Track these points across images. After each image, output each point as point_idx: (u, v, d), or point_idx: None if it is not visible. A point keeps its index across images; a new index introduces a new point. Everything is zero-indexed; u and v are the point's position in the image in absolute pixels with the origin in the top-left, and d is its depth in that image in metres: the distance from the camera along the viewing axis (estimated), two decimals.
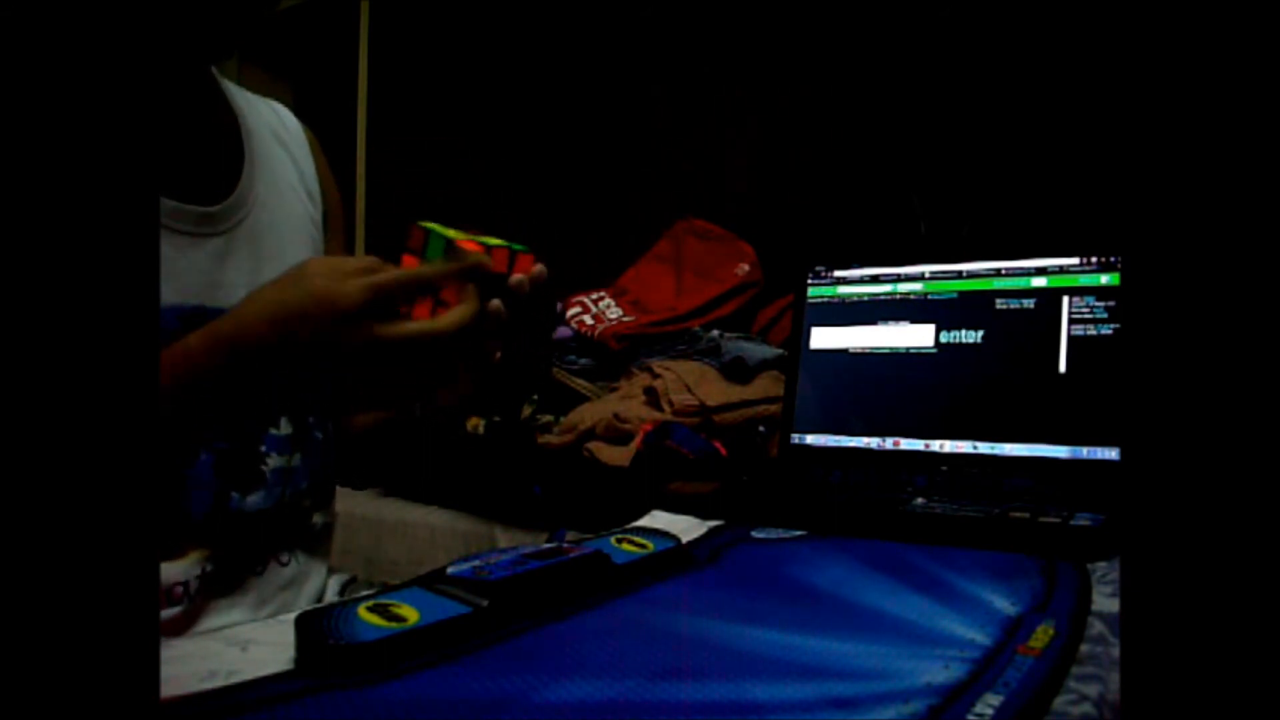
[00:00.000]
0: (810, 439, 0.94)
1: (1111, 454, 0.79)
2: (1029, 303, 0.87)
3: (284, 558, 0.69)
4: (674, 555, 0.56)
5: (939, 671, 0.38)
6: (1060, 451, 0.81)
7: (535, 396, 1.36)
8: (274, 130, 0.75)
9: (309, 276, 0.55)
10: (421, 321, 0.55)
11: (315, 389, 0.72)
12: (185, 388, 0.54)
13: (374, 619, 0.41)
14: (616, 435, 1.14)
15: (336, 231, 0.81)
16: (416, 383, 0.58)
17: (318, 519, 0.73)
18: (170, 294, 0.61)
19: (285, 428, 0.69)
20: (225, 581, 0.64)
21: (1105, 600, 0.49)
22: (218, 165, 0.67)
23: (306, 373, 0.61)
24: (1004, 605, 0.48)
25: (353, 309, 0.53)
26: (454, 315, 0.55)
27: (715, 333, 1.33)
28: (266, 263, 0.68)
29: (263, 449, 0.67)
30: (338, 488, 0.78)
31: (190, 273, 0.63)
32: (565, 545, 0.53)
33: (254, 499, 0.65)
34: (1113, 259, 0.85)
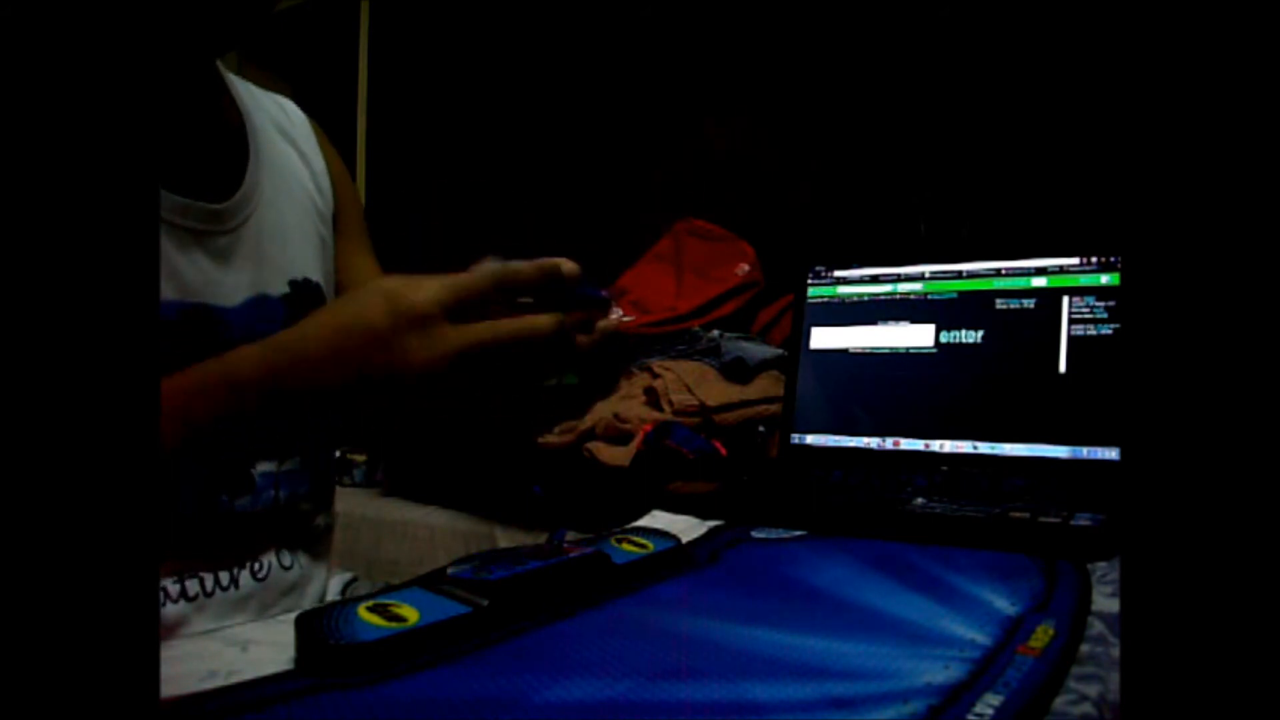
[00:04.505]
0: (810, 439, 0.94)
1: (1111, 454, 0.79)
2: (1029, 303, 0.87)
3: (286, 561, 0.68)
4: (674, 555, 0.56)
5: (939, 671, 0.38)
6: (1060, 451, 0.81)
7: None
8: (280, 126, 0.74)
9: (376, 288, 0.51)
10: (518, 320, 0.50)
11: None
12: (225, 419, 0.52)
13: (374, 619, 0.41)
14: (616, 435, 1.14)
15: (353, 228, 0.79)
16: (506, 387, 0.54)
17: (320, 521, 0.73)
18: (171, 291, 0.60)
19: None
20: (221, 586, 0.64)
21: (1105, 600, 0.49)
22: (222, 162, 0.67)
23: (386, 404, 0.55)
24: (1004, 605, 0.48)
25: (429, 310, 0.48)
26: (548, 317, 0.51)
27: (715, 333, 1.33)
28: (270, 262, 0.67)
29: None
30: (338, 488, 0.78)
31: (192, 270, 0.62)
32: (565, 545, 0.53)
33: (243, 501, 0.65)
34: (1113, 259, 0.85)
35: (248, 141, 0.69)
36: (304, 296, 0.70)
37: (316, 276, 0.72)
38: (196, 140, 0.65)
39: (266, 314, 0.66)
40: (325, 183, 0.76)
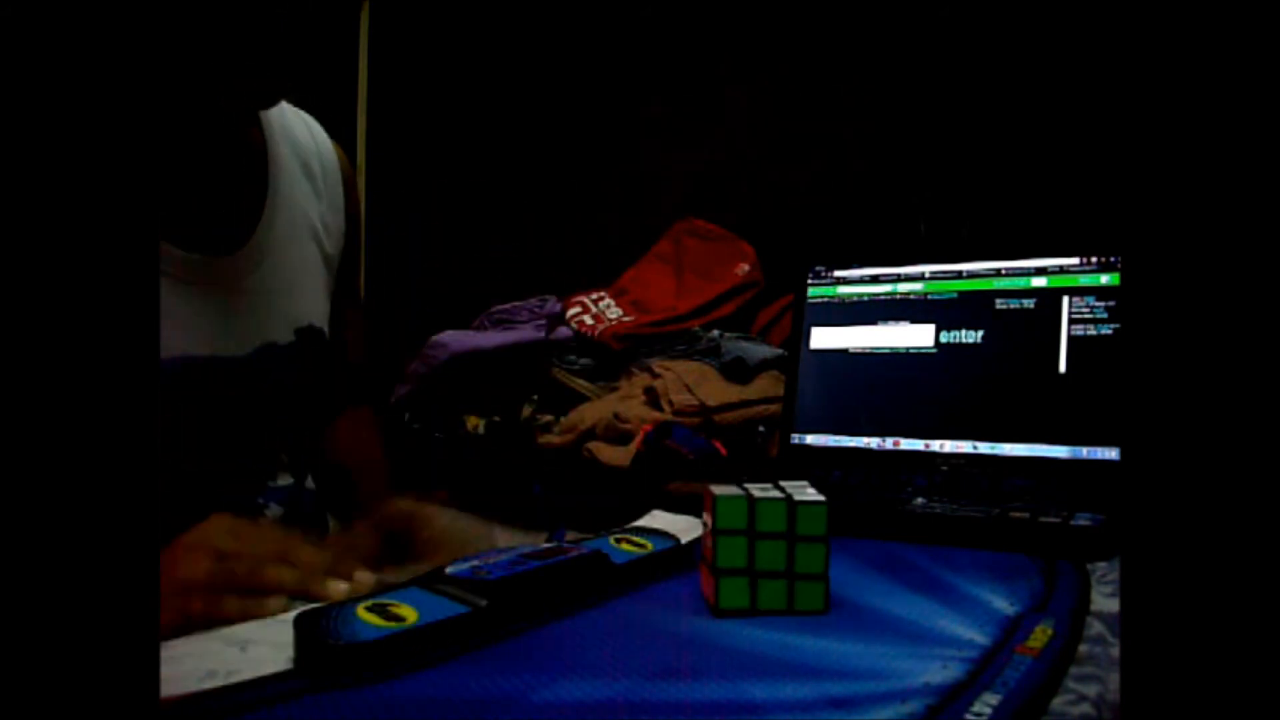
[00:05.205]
0: (810, 439, 0.93)
1: (1111, 454, 0.79)
2: (1029, 303, 0.87)
3: None
4: (673, 555, 0.56)
5: (937, 671, 0.38)
6: (1060, 451, 0.81)
7: (535, 396, 1.37)
8: (303, 158, 0.72)
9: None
10: None
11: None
12: None
13: (373, 618, 0.41)
14: (616, 435, 1.14)
15: (349, 269, 0.79)
16: None
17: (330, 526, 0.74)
18: (179, 344, 0.59)
19: (284, 479, 0.70)
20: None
21: (1104, 600, 0.49)
22: (238, 207, 0.66)
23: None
24: (1003, 605, 0.48)
25: None
26: None
27: (715, 333, 1.33)
28: (278, 311, 0.67)
29: (260, 500, 0.67)
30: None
31: (201, 322, 0.61)
32: (565, 545, 0.53)
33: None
34: (1113, 259, 0.85)
35: (267, 177, 0.67)
36: (309, 344, 0.70)
37: (320, 322, 0.72)
38: (211, 187, 0.64)
39: (275, 361, 0.66)
40: (336, 222, 0.75)
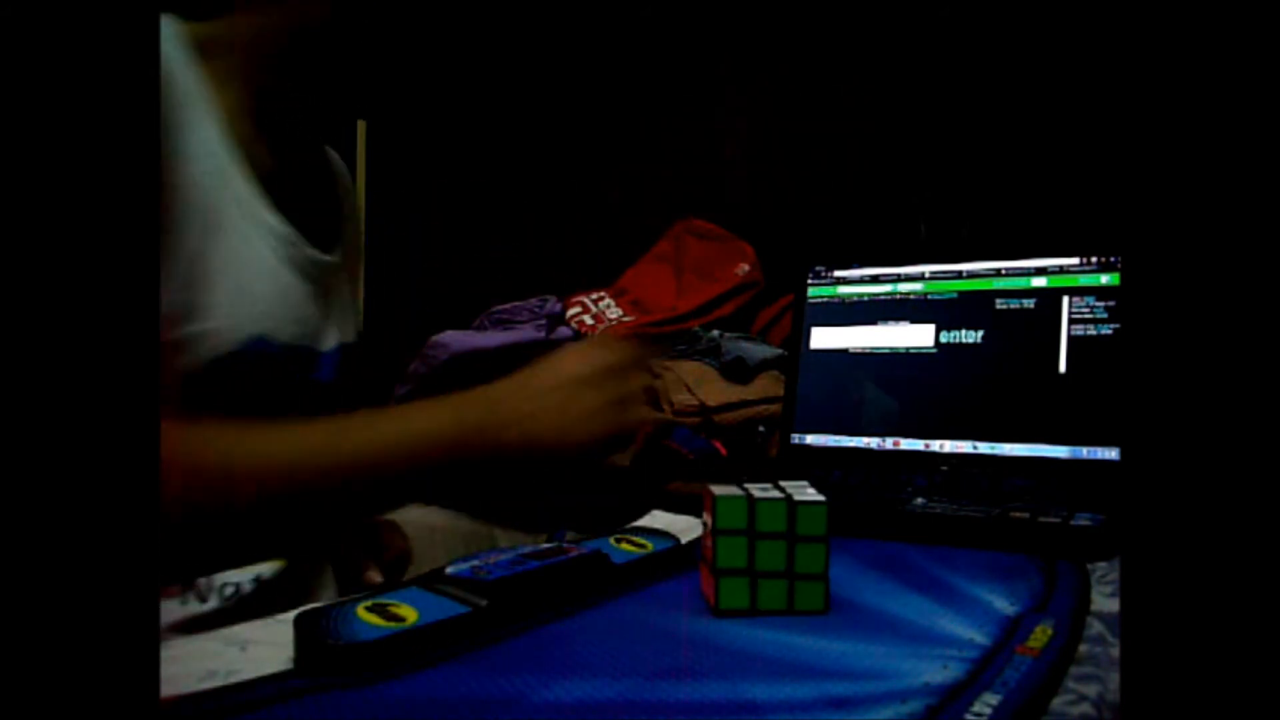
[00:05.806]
0: (810, 439, 0.93)
1: (1111, 454, 0.79)
2: (1029, 303, 0.87)
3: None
4: (673, 555, 0.56)
5: (937, 671, 0.38)
6: (1060, 451, 0.81)
7: None
8: (341, 179, 0.79)
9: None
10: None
11: None
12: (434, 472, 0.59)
13: (373, 618, 0.41)
14: None
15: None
16: None
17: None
18: (290, 333, 0.64)
19: None
20: (285, 588, 0.65)
21: (1105, 600, 0.49)
22: (326, 213, 0.73)
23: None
24: (1003, 605, 0.48)
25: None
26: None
27: (715, 333, 1.32)
28: (349, 312, 0.73)
29: None
30: None
31: (311, 315, 0.67)
32: (565, 545, 0.53)
33: None
34: (1113, 259, 0.85)
35: (337, 187, 0.76)
36: (360, 345, 0.76)
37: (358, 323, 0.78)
38: (317, 194, 0.72)
39: (344, 359, 0.71)
40: (352, 233, 0.81)
